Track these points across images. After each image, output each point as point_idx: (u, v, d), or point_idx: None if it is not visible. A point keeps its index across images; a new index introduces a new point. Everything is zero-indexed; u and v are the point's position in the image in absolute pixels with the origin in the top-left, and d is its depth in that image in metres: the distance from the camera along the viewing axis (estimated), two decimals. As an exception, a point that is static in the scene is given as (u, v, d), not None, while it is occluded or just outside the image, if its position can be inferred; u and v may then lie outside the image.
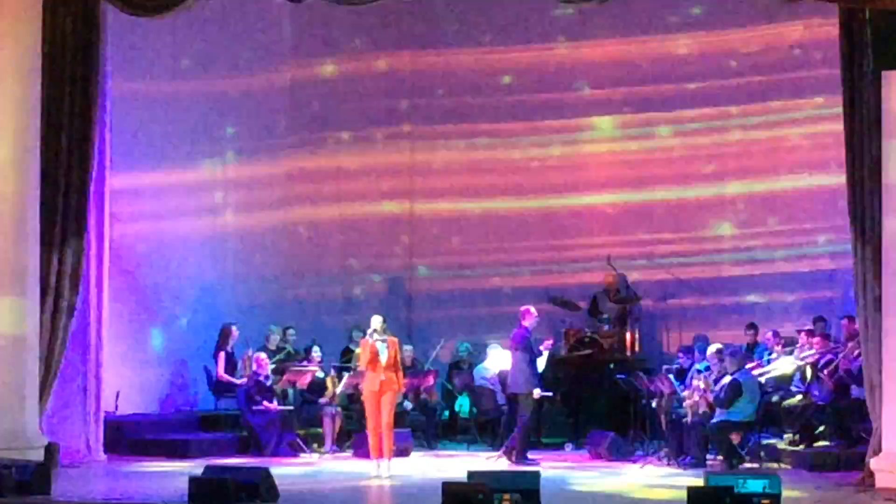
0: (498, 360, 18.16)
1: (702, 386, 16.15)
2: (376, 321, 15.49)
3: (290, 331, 18.96)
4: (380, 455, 15.32)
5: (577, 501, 13.98)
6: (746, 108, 19.72)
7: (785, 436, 16.63)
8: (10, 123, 14.92)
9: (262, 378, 17.56)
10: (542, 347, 17.63)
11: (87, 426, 15.95)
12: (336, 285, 20.46)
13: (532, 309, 17.07)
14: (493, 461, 16.57)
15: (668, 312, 19.77)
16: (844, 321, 17.05)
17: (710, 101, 19.87)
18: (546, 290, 19.77)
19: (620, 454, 16.83)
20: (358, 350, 16.69)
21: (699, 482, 12.71)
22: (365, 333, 15.59)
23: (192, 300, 18.84)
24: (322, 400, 17.65)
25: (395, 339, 15.64)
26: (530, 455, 16.61)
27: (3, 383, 14.73)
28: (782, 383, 16.84)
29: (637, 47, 20.04)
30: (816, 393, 16.21)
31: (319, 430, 17.62)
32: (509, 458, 16.54)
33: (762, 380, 16.69)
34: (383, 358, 15.30)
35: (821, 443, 16.19)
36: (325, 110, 20.40)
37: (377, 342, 15.31)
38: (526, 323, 16.85)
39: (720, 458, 15.98)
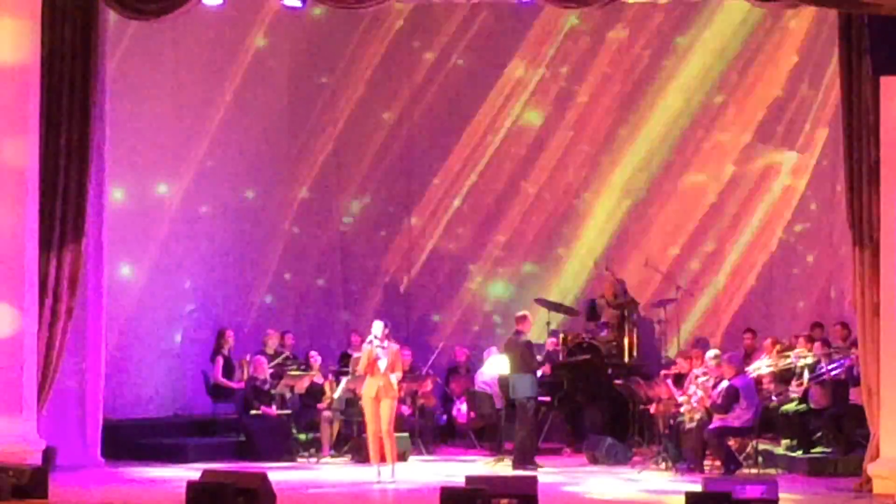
0: (496, 365, 18.14)
1: (700, 391, 16.14)
2: (377, 327, 15.48)
3: (288, 335, 18.95)
4: (380, 460, 15.30)
5: (574, 507, 14.02)
6: (743, 110, 19.71)
7: (783, 441, 16.62)
8: (8, 126, 14.92)
9: (259, 382, 17.54)
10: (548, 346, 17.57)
11: (84, 430, 15.94)
12: (334, 289, 20.42)
13: (527, 314, 17.07)
14: (491, 465, 16.57)
15: (667, 318, 19.75)
16: (837, 327, 17.07)
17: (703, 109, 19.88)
18: (544, 295, 19.75)
19: (618, 459, 16.81)
20: (357, 355, 16.67)
21: (697, 488, 12.72)
22: (363, 337, 15.54)
23: (189, 304, 18.81)
24: (320, 405, 17.62)
25: (396, 347, 15.63)
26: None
27: (1, 387, 14.73)
28: (782, 381, 16.84)
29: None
30: (814, 398, 16.22)
31: (317, 434, 17.60)
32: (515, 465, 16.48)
33: (765, 370, 16.70)
34: (382, 364, 15.30)
35: (818, 448, 16.18)
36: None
37: (377, 348, 15.31)
38: (522, 328, 16.84)
39: (718, 463, 15.97)
